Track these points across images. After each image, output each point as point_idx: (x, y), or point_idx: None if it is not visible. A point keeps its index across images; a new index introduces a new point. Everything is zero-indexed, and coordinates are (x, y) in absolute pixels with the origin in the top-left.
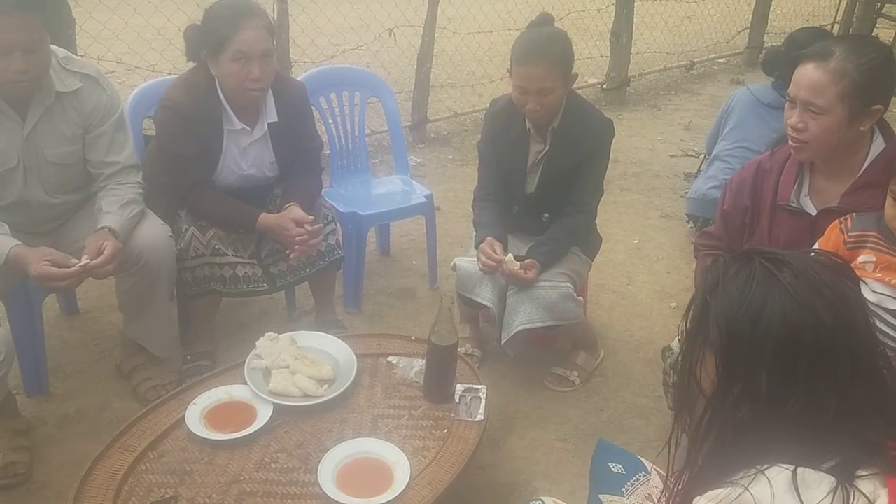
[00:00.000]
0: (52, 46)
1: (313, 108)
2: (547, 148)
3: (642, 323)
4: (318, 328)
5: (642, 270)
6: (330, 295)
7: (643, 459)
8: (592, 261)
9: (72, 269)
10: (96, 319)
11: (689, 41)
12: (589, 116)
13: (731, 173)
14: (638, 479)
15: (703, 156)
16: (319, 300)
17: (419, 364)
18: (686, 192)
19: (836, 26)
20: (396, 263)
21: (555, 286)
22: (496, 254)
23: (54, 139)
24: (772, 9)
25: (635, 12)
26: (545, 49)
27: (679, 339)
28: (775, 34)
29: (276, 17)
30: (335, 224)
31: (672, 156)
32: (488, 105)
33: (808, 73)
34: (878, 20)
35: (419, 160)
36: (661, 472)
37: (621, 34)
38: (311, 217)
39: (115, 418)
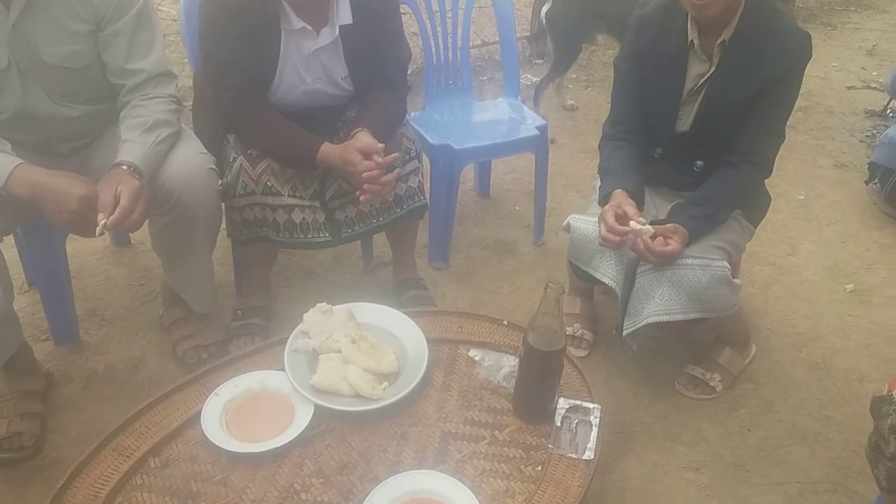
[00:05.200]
0: None
1: (405, 7)
2: (713, 70)
3: (807, 310)
4: (396, 288)
5: (809, 236)
6: (410, 248)
7: None
8: (756, 228)
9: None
10: (148, 254)
11: None
12: (777, 27)
13: None
14: None
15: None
16: (398, 254)
17: (510, 364)
18: (867, 136)
19: None
20: (496, 207)
21: (706, 265)
22: (624, 220)
23: (51, 34)
24: None
25: None
26: None
27: None
28: None
29: None
30: (419, 161)
31: (850, 87)
32: (636, 7)
33: None
34: None
35: (536, 79)
36: None
37: None
38: (382, 145)
39: (148, 380)
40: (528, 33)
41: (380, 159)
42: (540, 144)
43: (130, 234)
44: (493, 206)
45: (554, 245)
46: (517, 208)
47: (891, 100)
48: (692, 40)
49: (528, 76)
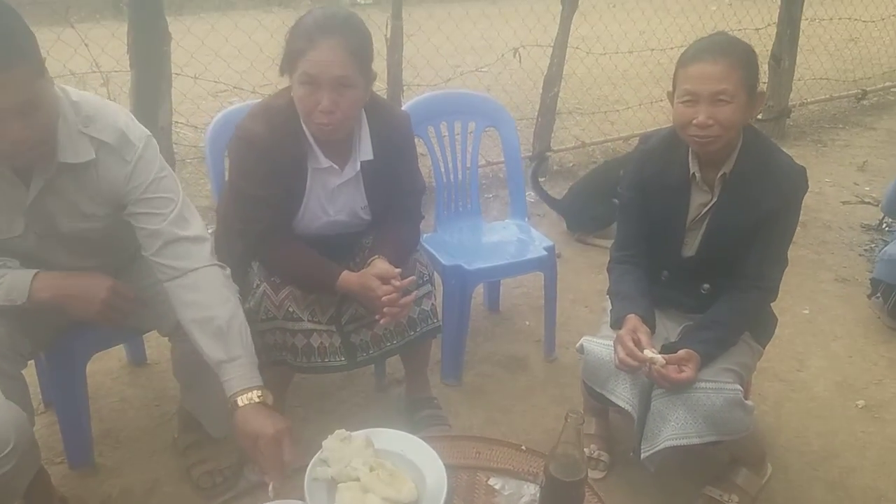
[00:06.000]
0: (75, 101)
1: (418, 139)
2: (715, 199)
3: (821, 427)
4: (409, 407)
5: (816, 352)
6: (423, 367)
7: None
8: (764, 348)
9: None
10: (164, 374)
11: (857, 67)
12: (774, 161)
13: None
14: None
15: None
16: (411, 373)
17: (530, 492)
18: (866, 249)
19: None
20: (506, 323)
21: (719, 389)
22: (640, 348)
23: (66, 211)
24: None
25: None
26: (727, 47)
27: None
28: None
29: (388, 35)
30: (432, 285)
31: (844, 202)
32: (638, 142)
33: None
34: None
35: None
36: None
37: (782, 57)
38: (399, 270)
39: None
40: (531, 153)
41: (397, 283)
42: (548, 264)
43: (147, 351)
44: (503, 321)
45: (565, 360)
46: (527, 323)
47: (882, 220)
48: (694, 173)
49: (532, 194)
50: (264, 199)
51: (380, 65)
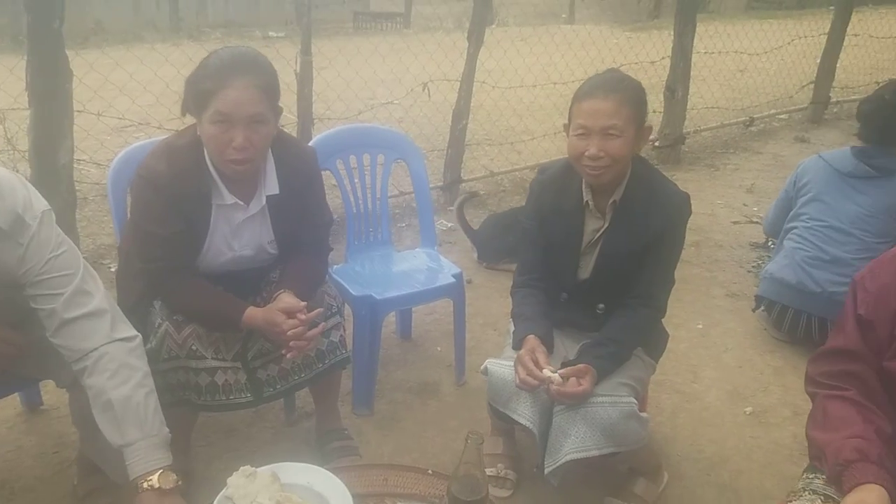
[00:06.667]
0: None
1: (327, 172)
2: (607, 225)
3: (713, 434)
4: (319, 439)
5: (709, 363)
6: (334, 400)
7: None
8: (657, 362)
9: None
10: (62, 420)
11: (746, 96)
12: (660, 189)
13: (810, 256)
14: None
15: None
16: (321, 405)
17: None
18: (754, 266)
19: None
20: (418, 349)
21: (615, 402)
22: (539, 366)
23: None
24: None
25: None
26: (617, 85)
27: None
28: (841, 88)
29: (298, 69)
30: (340, 317)
31: (735, 222)
32: (536, 173)
33: None
34: None
35: (451, 224)
36: None
37: (676, 88)
38: (304, 303)
39: None
40: (442, 183)
41: (303, 317)
42: (456, 291)
43: (43, 396)
44: (414, 348)
45: (475, 384)
46: (438, 349)
47: (769, 240)
48: (587, 201)
49: (444, 222)
50: (165, 238)
51: (290, 98)
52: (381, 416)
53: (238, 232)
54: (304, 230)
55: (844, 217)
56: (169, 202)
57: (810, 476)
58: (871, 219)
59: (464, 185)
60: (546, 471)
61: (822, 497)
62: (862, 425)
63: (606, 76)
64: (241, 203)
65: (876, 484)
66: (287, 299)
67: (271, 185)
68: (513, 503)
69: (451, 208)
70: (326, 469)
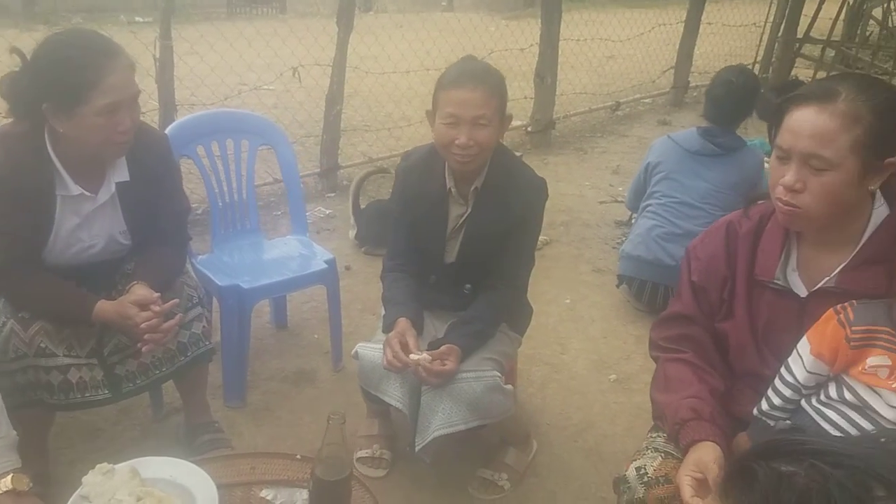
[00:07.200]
0: None
1: (187, 160)
2: (469, 211)
3: (580, 402)
4: (188, 434)
5: (577, 336)
6: (201, 393)
7: None
8: (522, 336)
9: None
10: None
11: (613, 81)
12: (518, 175)
13: (664, 231)
14: None
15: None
16: (188, 400)
17: (303, 497)
18: (618, 243)
19: (757, 66)
20: (294, 338)
21: (479, 377)
22: (407, 350)
23: None
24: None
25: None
26: (484, 76)
27: (635, 465)
28: (699, 73)
29: (158, 54)
30: (202, 307)
31: (601, 202)
32: (400, 159)
33: (808, 119)
34: (796, 60)
35: (329, 211)
36: None
37: (545, 75)
38: (158, 294)
39: None
40: (319, 170)
41: (157, 308)
42: (330, 277)
43: None
44: (291, 337)
45: (353, 369)
46: (315, 336)
47: (631, 217)
48: (450, 187)
49: (322, 209)
50: (4, 231)
51: (150, 85)
52: (255, 407)
53: (88, 223)
54: (158, 219)
55: (694, 193)
56: (8, 193)
57: (653, 435)
58: (719, 193)
59: (341, 171)
60: (416, 448)
61: (662, 454)
62: (697, 385)
63: (470, 65)
64: (88, 193)
65: (709, 441)
66: (140, 291)
67: (120, 172)
68: (388, 483)
69: (330, 194)
70: (191, 461)
